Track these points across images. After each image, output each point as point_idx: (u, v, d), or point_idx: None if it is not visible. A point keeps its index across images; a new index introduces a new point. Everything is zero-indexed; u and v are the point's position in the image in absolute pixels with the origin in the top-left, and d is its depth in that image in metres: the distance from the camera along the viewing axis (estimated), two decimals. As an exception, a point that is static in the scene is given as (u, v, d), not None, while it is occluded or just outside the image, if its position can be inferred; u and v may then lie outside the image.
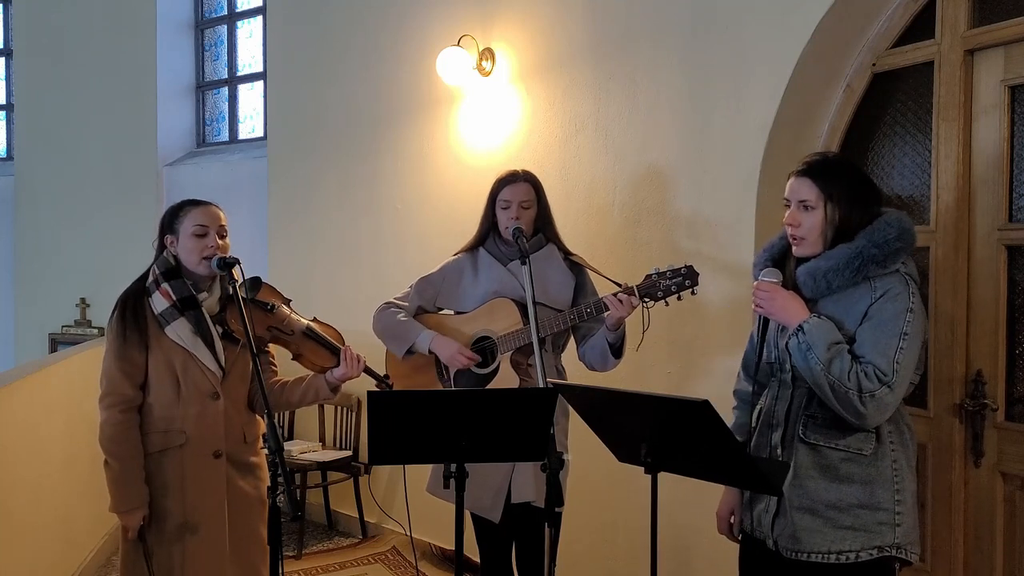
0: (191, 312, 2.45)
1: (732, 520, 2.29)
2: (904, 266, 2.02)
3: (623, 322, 2.65)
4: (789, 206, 2.09)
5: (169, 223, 2.52)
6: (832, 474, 2.01)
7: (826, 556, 2.00)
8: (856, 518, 1.99)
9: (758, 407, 2.20)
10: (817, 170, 2.06)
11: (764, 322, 2.13)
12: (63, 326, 6.85)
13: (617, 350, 2.71)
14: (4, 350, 7.11)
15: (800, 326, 1.99)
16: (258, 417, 2.63)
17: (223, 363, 2.49)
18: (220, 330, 2.51)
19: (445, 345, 2.79)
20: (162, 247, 2.53)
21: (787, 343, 2.04)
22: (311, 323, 2.59)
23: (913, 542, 2.02)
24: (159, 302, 2.46)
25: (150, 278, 2.51)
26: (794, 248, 2.09)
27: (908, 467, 2.04)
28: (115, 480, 2.43)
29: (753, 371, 2.19)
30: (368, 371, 2.57)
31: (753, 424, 2.18)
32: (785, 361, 2.09)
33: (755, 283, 2.11)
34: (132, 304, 2.47)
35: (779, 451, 2.08)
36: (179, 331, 2.44)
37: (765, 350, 2.16)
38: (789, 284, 2.09)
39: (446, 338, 2.80)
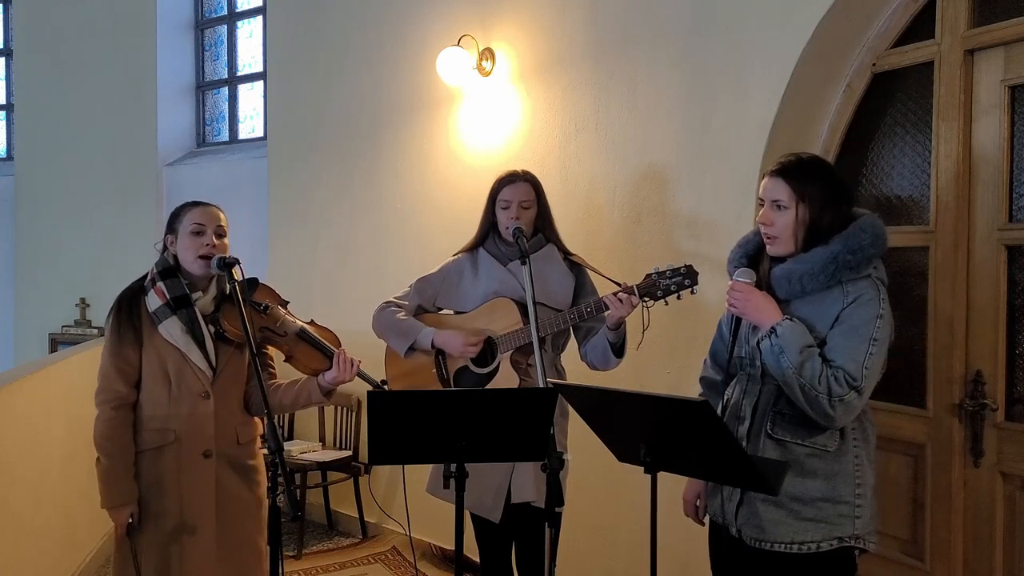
0: (183, 311, 2.46)
1: (698, 504, 2.35)
2: (875, 271, 2.06)
3: (623, 321, 2.66)
4: (763, 205, 2.12)
5: (171, 223, 2.55)
6: (797, 469, 2.05)
7: (789, 546, 2.05)
8: (819, 510, 2.04)
9: (725, 398, 2.25)
10: (791, 171, 2.09)
11: (737, 318, 2.16)
12: (63, 326, 6.85)
13: (618, 349, 2.71)
14: (4, 350, 7.11)
15: (773, 328, 2.02)
16: (256, 419, 2.63)
17: (214, 363, 2.50)
18: (213, 330, 2.51)
19: (449, 338, 2.78)
20: (165, 248, 2.55)
21: (759, 342, 2.07)
22: (305, 325, 2.58)
23: (871, 532, 2.09)
24: (153, 300, 2.47)
25: (148, 277, 2.53)
26: (768, 247, 2.14)
27: (869, 462, 2.10)
28: (104, 476, 2.44)
29: (725, 364, 2.23)
30: (362, 375, 2.55)
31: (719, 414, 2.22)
32: (755, 357, 2.13)
33: (730, 283, 2.14)
34: (128, 302, 2.50)
35: (744, 444, 2.12)
36: (170, 330, 2.45)
37: (736, 345, 2.19)
38: (763, 283, 2.13)
39: (448, 331, 2.80)
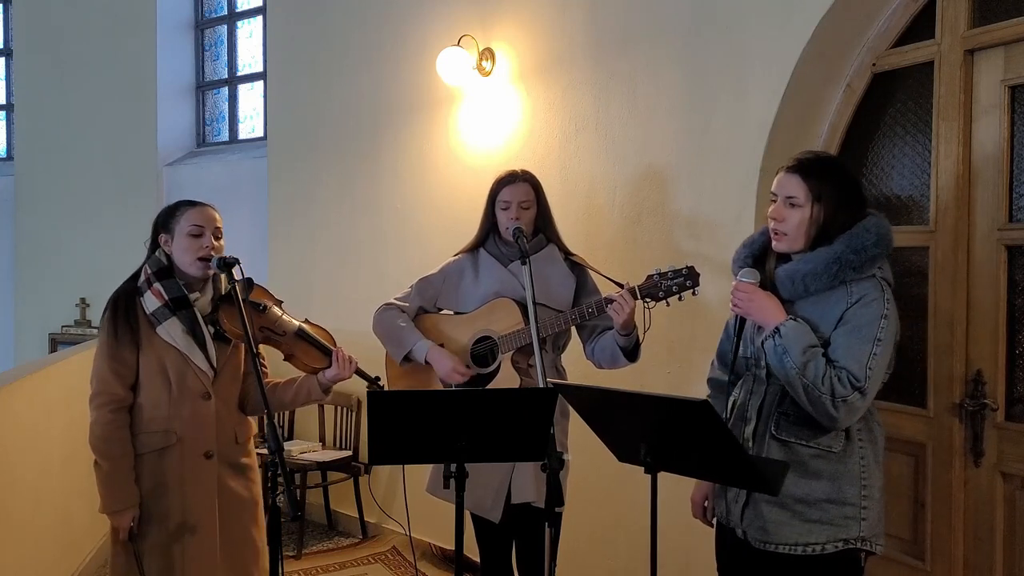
0: (183, 312, 2.44)
1: (706, 505, 2.34)
2: (880, 271, 2.05)
3: (633, 325, 2.64)
4: (775, 200, 2.10)
5: (164, 222, 2.51)
6: (801, 470, 2.04)
7: (793, 548, 2.04)
8: (823, 512, 2.03)
9: (731, 399, 2.23)
10: (808, 168, 2.07)
11: (741, 318, 2.15)
12: (63, 326, 6.85)
13: (631, 353, 2.70)
14: (4, 350, 7.10)
15: (777, 328, 2.01)
16: (249, 418, 2.63)
17: (215, 363, 2.49)
18: (212, 330, 2.50)
19: (442, 359, 2.76)
20: (155, 246, 2.51)
21: (763, 342, 2.06)
22: (303, 324, 2.59)
23: (878, 534, 2.07)
24: (151, 302, 2.44)
25: (142, 277, 2.49)
26: (774, 243, 2.12)
27: (876, 463, 2.08)
28: (105, 480, 2.41)
29: (730, 364, 2.22)
30: (359, 372, 2.57)
31: (726, 416, 2.21)
32: (760, 358, 2.12)
33: (734, 283, 2.13)
34: (124, 304, 2.46)
35: (750, 444, 2.12)
36: (171, 331, 2.43)
37: (741, 346, 2.18)
38: (768, 283, 2.11)
39: (444, 351, 2.78)
